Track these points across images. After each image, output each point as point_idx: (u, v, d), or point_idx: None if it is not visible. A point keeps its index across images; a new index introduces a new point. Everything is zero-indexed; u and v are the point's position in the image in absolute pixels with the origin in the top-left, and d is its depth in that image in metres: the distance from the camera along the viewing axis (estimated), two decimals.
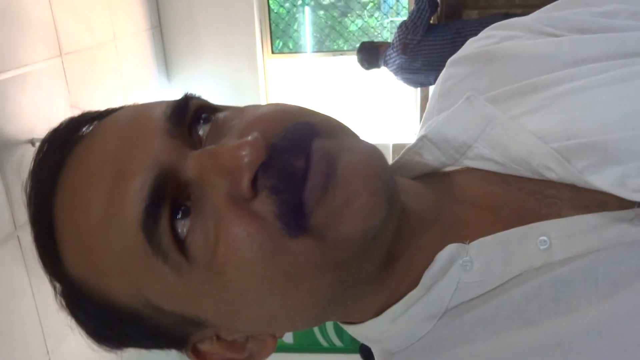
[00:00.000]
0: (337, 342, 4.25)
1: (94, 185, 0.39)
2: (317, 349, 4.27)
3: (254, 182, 0.36)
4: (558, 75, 0.47)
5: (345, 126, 0.43)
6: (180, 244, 0.38)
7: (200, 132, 0.41)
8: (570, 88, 0.45)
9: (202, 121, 0.41)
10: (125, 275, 0.40)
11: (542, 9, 0.56)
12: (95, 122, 0.43)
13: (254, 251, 0.36)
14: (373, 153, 0.39)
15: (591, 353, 0.35)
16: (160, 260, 0.38)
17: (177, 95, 0.43)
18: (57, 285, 0.44)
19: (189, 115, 0.41)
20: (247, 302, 0.39)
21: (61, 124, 0.45)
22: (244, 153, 0.36)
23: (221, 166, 0.37)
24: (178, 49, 3.41)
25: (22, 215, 1.94)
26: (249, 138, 0.36)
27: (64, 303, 0.44)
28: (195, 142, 0.41)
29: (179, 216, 0.38)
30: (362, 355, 3.69)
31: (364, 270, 0.40)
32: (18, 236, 1.93)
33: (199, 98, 0.43)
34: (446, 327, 0.42)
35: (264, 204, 0.36)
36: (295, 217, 0.36)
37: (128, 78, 2.90)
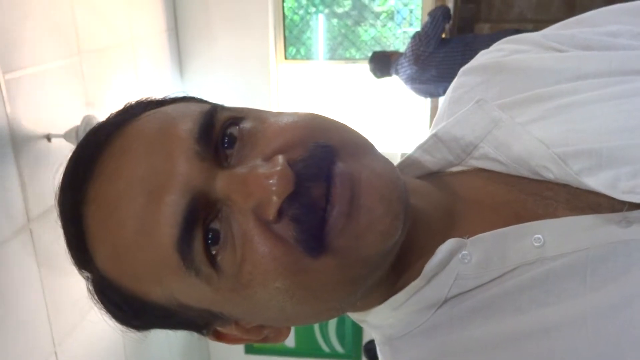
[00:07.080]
0: (339, 348, 4.25)
1: (127, 202, 0.41)
2: (319, 354, 4.26)
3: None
4: (562, 88, 0.50)
5: (362, 138, 0.45)
6: (211, 259, 0.41)
7: (228, 151, 0.43)
8: (572, 101, 0.48)
9: (227, 138, 0.43)
10: (158, 283, 0.43)
11: (551, 27, 0.59)
12: (120, 129, 0.44)
13: (279, 271, 0.40)
14: (391, 173, 0.42)
15: (576, 340, 0.38)
16: (192, 274, 0.41)
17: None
18: (88, 275, 0.47)
19: (216, 133, 0.43)
20: (268, 307, 0.43)
21: (87, 135, 0.47)
22: (272, 182, 0.38)
23: (250, 193, 0.40)
24: (193, 51, 3.45)
25: (36, 209, 1.97)
26: (278, 168, 0.39)
27: (93, 293, 0.47)
28: (222, 159, 0.43)
29: (211, 235, 0.41)
30: (367, 355, 3.70)
31: (376, 276, 0.44)
32: (30, 229, 1.96)
33: (223, 109, 0.45)
34: (444, 315, 0.45)
35: (287, 229, 0.40)
36: (315, 242, 0.39)
37: (143, 78, 2.94)
